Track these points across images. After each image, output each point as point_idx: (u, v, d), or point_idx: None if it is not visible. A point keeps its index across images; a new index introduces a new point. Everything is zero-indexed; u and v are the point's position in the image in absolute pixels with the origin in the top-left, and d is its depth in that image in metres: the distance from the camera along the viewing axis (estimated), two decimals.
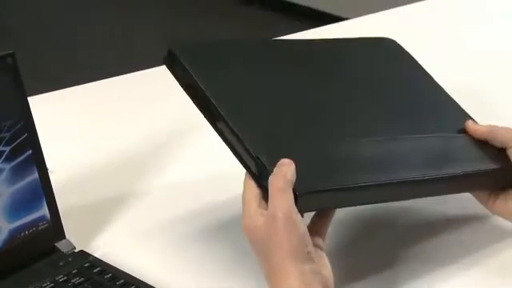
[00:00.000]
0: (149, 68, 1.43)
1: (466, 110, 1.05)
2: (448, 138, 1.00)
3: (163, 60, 0.95)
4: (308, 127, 0.93)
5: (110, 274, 0.92)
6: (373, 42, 1.15)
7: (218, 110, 0.89)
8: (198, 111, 1.21)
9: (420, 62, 1.12)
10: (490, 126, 1.00)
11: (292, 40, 1.14)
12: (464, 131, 1.01)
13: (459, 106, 1.06)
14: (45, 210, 0.95)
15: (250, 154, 0.86)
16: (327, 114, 0.96)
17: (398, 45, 1.15)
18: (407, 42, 1.13)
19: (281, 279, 0.80)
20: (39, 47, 3.45)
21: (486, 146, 0.99)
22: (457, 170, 0.95)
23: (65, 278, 0.91)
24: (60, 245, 0.96)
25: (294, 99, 0.96)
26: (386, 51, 1.13)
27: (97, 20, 3.73)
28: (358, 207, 0.97)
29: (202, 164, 1.16)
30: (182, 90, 1.35)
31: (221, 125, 0.89)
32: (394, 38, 1.14)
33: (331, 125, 0.95)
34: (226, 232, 1.01)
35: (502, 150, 0.99)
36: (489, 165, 0.98)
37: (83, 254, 0.96)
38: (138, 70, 1.42)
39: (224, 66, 0.96)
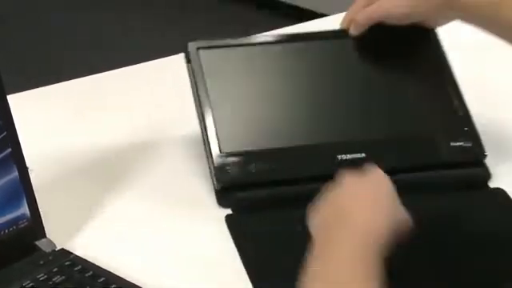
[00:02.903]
0: None
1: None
2: None
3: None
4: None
5: (91, 272, 0.92)
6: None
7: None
8: (183, 108, 1.21)
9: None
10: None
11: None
12: None
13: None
14: (25, 209, 0.95)
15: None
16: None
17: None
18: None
19: None
20: (39, 47, 3.45)
21: None
22: None
23: (45, 276, 0.91)
24: (40, 243, 0.96)
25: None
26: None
27: (97, 20, 3.72)
28: None
29: (188, 162, 1.15)
30: (166, 86, 1.34)
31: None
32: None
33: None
34: (211, 229, 1.01)
35: None
36: None
37: (64, 253, 0.95)
38: None
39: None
